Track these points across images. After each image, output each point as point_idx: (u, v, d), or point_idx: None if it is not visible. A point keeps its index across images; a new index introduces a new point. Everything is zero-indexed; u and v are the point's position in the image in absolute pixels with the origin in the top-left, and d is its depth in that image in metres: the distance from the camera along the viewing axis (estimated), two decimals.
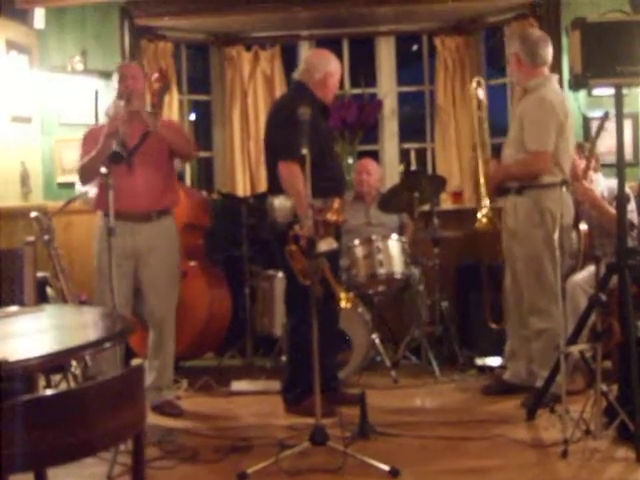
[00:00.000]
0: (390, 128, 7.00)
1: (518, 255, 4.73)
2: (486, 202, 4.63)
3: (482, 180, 4.69)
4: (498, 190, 4.82)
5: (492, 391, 4.95)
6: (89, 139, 4.69)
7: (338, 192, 4.51)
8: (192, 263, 5.60)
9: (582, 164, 4.92)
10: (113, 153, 4.20)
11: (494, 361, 5.46)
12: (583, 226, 5.01)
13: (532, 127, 4.62)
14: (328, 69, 4.74)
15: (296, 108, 4.05)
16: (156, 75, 5.25)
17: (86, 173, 4.62)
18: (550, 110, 4.61)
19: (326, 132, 4.70)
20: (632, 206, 4.97)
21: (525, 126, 4.65)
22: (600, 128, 4.64)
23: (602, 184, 5.07)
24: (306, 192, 4.08)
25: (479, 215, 4.67)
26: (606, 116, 4.55)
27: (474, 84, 5.00)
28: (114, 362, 4.42)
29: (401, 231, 5.88)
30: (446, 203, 6.59)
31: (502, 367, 5.21)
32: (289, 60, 7.01)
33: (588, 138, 5.79)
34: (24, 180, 6.13)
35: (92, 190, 5.51)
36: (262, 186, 6.72)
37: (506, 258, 4.86)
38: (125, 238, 4.51)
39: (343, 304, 4.14)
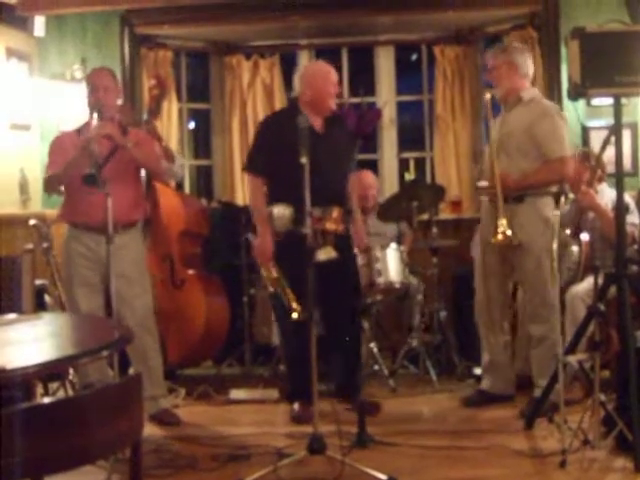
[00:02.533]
0: (389, 137, 7.01)
1: (520, 264, 4.73)
2: (503, 221, 4.58)
3: (499, 192, 4.64)
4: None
5: (473, 402, 4.92)
6: (56, 148, 4.66)
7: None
8: (190, 271, 5.59)
9: (587, 174, 4.93)
10: (88, 175, 4.13)
11: None
12: (584, 237, 5.00)
13: (550, 135, 4.65)
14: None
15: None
16: (153, 82, 5.26)
17: (53, 184, 4.60)
18: (562, 119, 4.72)
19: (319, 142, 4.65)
20: (634, 219, 4.96)
21: (537, 135, 4.65)
22: (607, 140, 4.59)
23: (607, 195, 5.03)
24: (262, 205, 4.68)
25: (499, 230, 4.61)
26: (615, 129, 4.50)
27: (488, 95, 4.92)
28: (104, 371, 4.42)
29: (399, 240, 5.87)
30: (445, 212, 6.60)
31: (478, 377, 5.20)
32: (288, 69, 7.01)
33: (586, 146, 5.81)
34: (23, 187, 6.14)
35: None
36: None
37: (491, 268, 4.84)
38: (89, 249, 4.52)
39: (294, 316, 4.37)
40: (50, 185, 4.63)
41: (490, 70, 4.84)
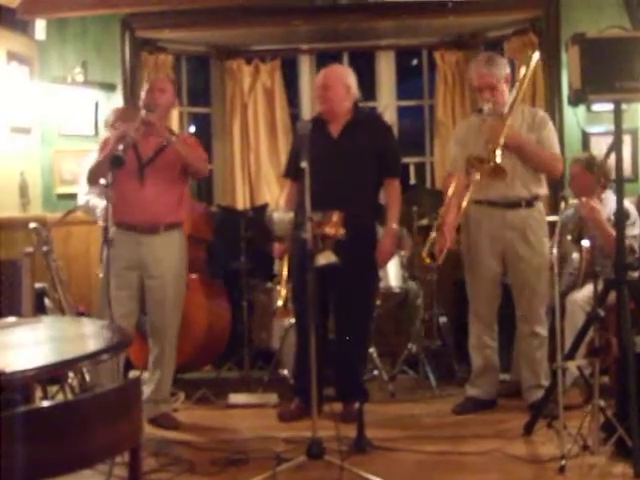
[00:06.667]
0: None
1: (529, 265, 4.75)
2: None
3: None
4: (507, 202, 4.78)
5: (465, 410, 4.90)
6: (105, 143, 4.71)
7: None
8: (193, 276, 5.58)
9: (590, 180, 4.96)
10: (114, 156, 4.19)
11: None
12: (585, 243, 4.99)
13: (554, 136, 4.80)
14: None
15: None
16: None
17: (92, 175, 4.60)
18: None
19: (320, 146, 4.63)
20: (635, 230, 4.94)
21: (546, 135, 4.76)
22: (612, 147, 4.56)
23: (612, 202, 4.98)
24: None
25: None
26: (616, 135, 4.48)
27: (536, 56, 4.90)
28: (113, 374, 4.42)
29: (398, 245, 5.84)
30: None
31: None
32: (289, 74, 7.03)
33: (589, 151, 5.80)
34: (23, 191, 6.14)
35: (92, 200, 5.52)
36: (262, 199, 6.74)
37: (489, 272, 4.82)
38: (130, 249, 4.53)
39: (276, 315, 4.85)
40: (90, 177, 4.63)
41: (492, 85, 4.74)
